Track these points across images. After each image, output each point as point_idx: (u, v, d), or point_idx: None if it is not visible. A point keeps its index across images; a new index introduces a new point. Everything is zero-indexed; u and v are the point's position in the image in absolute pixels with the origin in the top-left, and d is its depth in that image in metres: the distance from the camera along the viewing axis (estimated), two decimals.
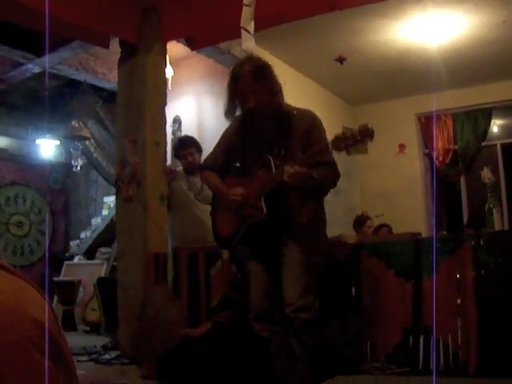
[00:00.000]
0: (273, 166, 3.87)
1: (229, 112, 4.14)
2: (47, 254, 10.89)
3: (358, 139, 3.52)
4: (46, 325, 1.84)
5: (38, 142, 11.66)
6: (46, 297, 2.00)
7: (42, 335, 1.73)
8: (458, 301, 4.33)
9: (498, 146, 10.77)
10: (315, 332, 3.99)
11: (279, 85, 4.05)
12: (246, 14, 5.07)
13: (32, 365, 1.67)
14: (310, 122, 4.02)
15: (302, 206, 3.97)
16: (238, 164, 4.30)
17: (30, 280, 1.86)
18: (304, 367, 3.90)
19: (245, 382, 4.19)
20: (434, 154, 11.00)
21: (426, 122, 11.13)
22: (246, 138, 4.17)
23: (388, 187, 10.81)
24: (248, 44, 5.11)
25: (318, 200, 4.13)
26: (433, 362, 4.22)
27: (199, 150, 6.48)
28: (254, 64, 4.03)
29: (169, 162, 6.72)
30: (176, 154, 6.66)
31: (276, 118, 4.04)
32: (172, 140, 7.60)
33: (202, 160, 4.56)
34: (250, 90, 3.94)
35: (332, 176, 4.01)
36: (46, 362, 1.75)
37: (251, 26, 5.09)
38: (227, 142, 4.31)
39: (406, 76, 9.68)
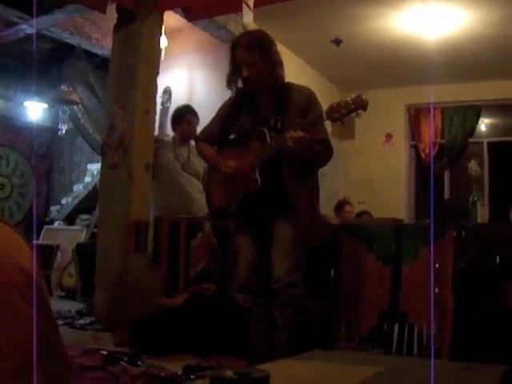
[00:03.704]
0: (268, 137, 3.90)
1: (230, 81, 4.19)
2: (34, 216, 10.84)
3: (351, 108, 3.58)
4: (34, 274, 1.84)
5: (25, 104, 11.58)
6: (33, 246, 2.00)
7: (25, 282, 1.74)
8: (436, 290, 4.35)
9: (485, 143, 10.80)
10: (298, 307, 4.02)
11: (279, 59, 4.08)
12: None
13: (14, 310, 1.67)
14: (307, 99, 4.05)
15: (296, 183, 3.99)
16: (233, 136, 4.32)
17: (16, 228, 1.86)
18: (284, 339, 3.94)
19: (220, 352, 4.21)
20: (421, 146, 11.04)
21: (414, 114, 11.15)
22: (243, 109, 4.20)
23: (372, 175, 10.83)
24: (247, 18, 5.11)
25: (311, 177, 4.16)
26: (430, 344, 4.25)
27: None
28: (254, 36, 4.09)
29: (156, 131, 6.69)
30: (180, 118, 6.59)
31: (273, 91, 4.07)
32: (161, 110, 7.58)
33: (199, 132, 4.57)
34: (246, 61, 3.98)
35: (326, 153, 4.04)
36: (35, 312, 1.75)
37: (251, 1, 5.10)
38: (223, 114, 4.34)
39: (399, 66, 9.68)
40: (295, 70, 8.65)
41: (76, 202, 11.09)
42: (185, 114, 6.61)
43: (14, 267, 1.74)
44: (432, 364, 2.28)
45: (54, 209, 11.67)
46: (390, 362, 2.33)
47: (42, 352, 1.71)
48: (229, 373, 1.55)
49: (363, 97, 3.59)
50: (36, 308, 1.73)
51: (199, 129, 4.65)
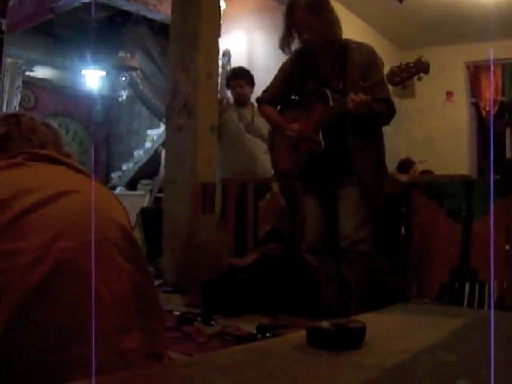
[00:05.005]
0: (330, 99, 3.87)
1: (284, 44, 4.13)
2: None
3: (413, 72, 3.54)
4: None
5: (83, 72, 11.67)
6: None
7: (122, 237, 1.77)
8: (507, 246, 4.29)
9: None
10: (369, 265, 4.01)
11: (336, 17, 4.00)
12: None
13: (113, 264, 1.71)
14: (368, 56, 4.00)
15: (359, 144, 3.96)
16: (295, 97, 4.30)
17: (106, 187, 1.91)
18: (356, 298, 3.95)
19: (290, 312, 4.23)
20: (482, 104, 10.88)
21: (474, 71, 10.97)
22: (304, 71, 4.16)
23: (433, 134, 10.72)
24: None
25: (375, 137, 4.13)
26: (490, 292, 4.22)
27: (250, 83, 6.50)
28: None
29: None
30: (227, 84, 6.71)
31: (333, 50, 4.02)
32: (221, 73, 7.59)
33: (259, 93, 4.56)
34: (305, 23, 3.92)
35: (388, 112, 4.00)
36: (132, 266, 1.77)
37: None
38: (285, 75, 4.31)
39: (458, 23, 9.50)
40: (353, 29, 8.56)
41: (137, 167, 11.22)
42: (228, 81, 6.70)
43: (112, 223, 1.78)
44: (492, 313, 2.27)
45: (115, 175, 11.81)
46: (473, 315, 2.32)
47: (141, 307, 1.74)
48: (326, 324, 1.55)
49: (424, 59, 3.55)
50: (133, 262, 1.76)
51: (259, 90, 4.62)
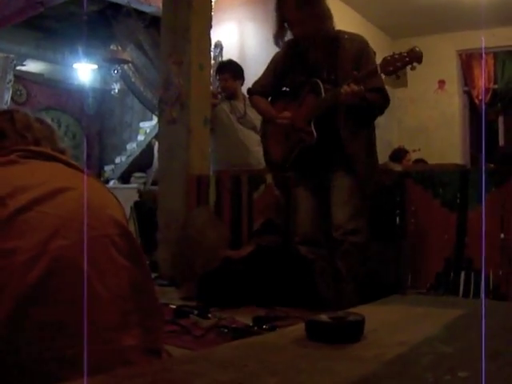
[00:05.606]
0: (322, 90, 3.86)
1: (278, 40, 4.12)
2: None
3: (406, 61, 3.52)
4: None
5: (75, 66, 11.63)
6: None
7: (119, 234, 1.76)
8: (502, 235, 4.30)
9: None
10: (363, 256, 4.01)
11: (328, 9, 3.98)
12: None
13: (110, 261, 1.69)
14: (360, 47, 3.98)
15: (352, 133, 3.96)
16: (286, 89, 4.29)
17: (102, 182, 1.88)
18: (350, 289, 3.95)
19: (286, 303, 4.23)
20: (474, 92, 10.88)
21: (466, 59, 10.97)
22: (295, 62, 4.14)
23: (426, 123, 10.74)
24: None
25: (368, 126, 4.12)
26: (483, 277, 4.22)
27: (235, 76, 6.47)
28: None
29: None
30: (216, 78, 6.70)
31: (325, 43, 4.00)
32: (213, 65, 7.58)
33: (250, 85, 4.55)
34: (296, 18, 3.89)
35: (382, 102, 3.99)
36: (129, 263, 1.76)
37: None
38: (276, 67, 4.29)
39: (450, 11, 9.48)
40: (344, 19, 8.54)
41: (130, 160, 11.18)
42: (215, 74, 6.74)
43: (108, 219, 1.76)
44: (483, 302, 2.27)
45: (108, 168, 11.78)
46: (470, 305, 2.32)
47: (139, 303, 1.73)
48: (324, 317, 1.55)
49: (417, 49, 3.53)
50: (130, 259, 1.75)
51: (252, 81, 4.61)
